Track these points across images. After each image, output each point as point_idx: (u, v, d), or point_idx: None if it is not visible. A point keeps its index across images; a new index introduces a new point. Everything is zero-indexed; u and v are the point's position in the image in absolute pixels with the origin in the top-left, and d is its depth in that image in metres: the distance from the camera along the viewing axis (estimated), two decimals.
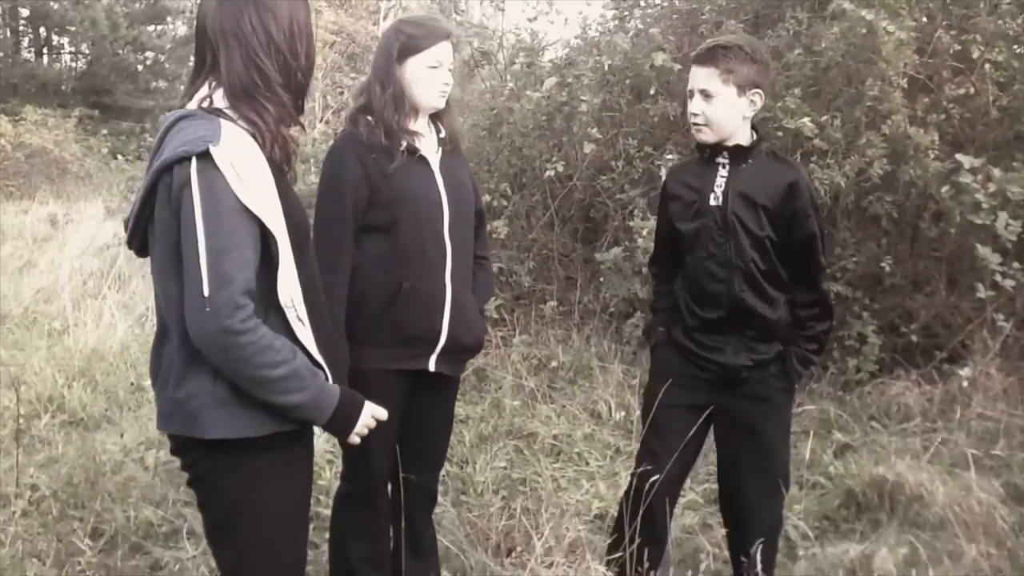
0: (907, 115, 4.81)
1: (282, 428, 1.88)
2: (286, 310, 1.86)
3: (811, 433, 4.34)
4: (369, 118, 2.56)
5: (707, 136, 2.60)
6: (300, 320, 1.89)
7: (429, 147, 2.64)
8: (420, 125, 2.64)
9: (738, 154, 2.61)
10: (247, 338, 1.74)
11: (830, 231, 5.08)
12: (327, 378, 1.95)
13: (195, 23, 1.97)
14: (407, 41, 2.55)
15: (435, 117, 2.69)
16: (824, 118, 4.80)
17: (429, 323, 2.60)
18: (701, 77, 2.56)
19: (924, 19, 5.31)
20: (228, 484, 1.91)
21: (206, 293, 1.72)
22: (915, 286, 5.17)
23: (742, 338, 2.65)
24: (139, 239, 1.95)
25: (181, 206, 1.76)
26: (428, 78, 2.57)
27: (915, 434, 4.27)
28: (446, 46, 2.59)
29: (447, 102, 2.67)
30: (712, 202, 2.62)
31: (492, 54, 6.94)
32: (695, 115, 2.58)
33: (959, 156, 4.60)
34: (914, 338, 4.94)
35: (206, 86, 1.90)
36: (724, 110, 2.55)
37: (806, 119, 4.72)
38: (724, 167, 2.62)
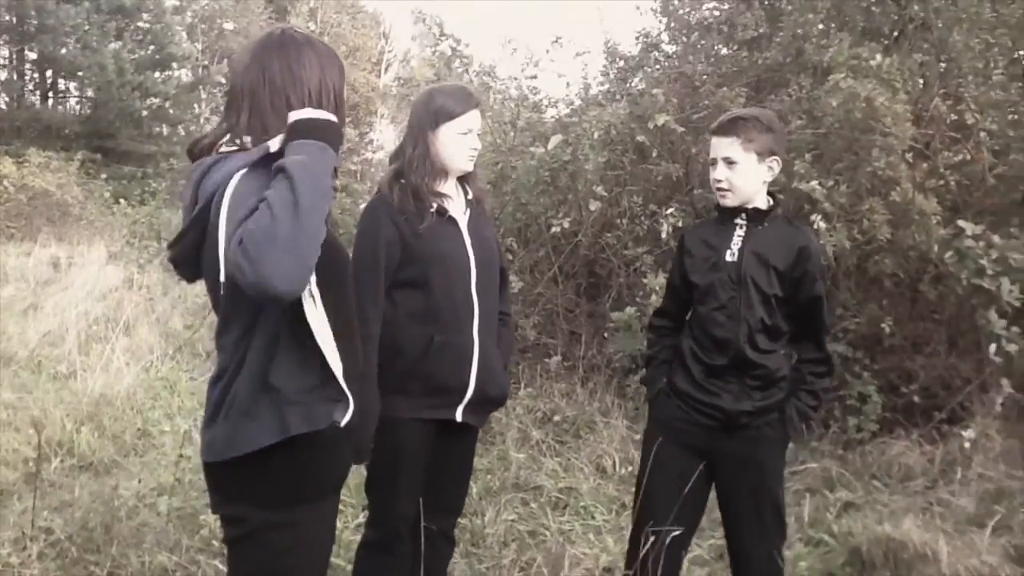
0: (910, 183, 4.95)
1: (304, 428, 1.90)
2: (315, 335, 1.88)
3: (813, 491, 4.41)
4: (402, 182, 2.71)
5: (730, 200, 2.77)
6: (325, 349, 1.91)
7: (457, 208, 2.79)
8: (449, 187, 2.79)
9: (756, 216, 2.78)
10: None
11: (832, 292, 5.20)
12: (348, 405, 2.00)
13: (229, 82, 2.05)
14: (440, 109, 2.71)
15: (462, 179, 2.85)
16: (830, 184, 4.94)
17: (458, 375, 2.71)
18: (724, 146, 2.74)
19: (921, 85, 5.49)
20: (266, 541, 1.95)
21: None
22: (915, 347, 5.27)
23: (743, 385, 2.77)
24: (190, 267, 2.01)
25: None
26: (459, 144, 2.73)
27: (917, 493, 4.34)
28: (475, 114, 2.76)
29: (474, 165, 2.82)
30: (728, 258, 2.78)
31: (496, 109, 7.11)
32: (719, 181, 2.75)
33: (960, 222, 4.73)
34: (914, 398, 5.03)
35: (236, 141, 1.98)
36: (746, 176, 2.73)
37: (814, 182, 4.85)
38: (741, 227, 2.79)
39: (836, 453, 4.86)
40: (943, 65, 5.59)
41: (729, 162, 2.72)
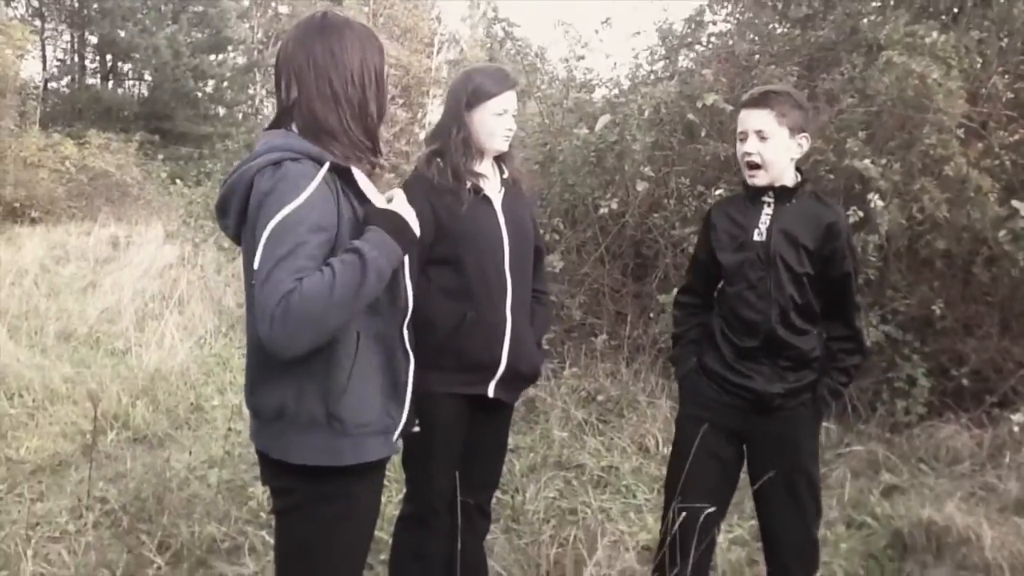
0: (964, 161, 4.85)
1: (352, 461, 1.98)
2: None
3: (858, 473, 4.37)
4: (439, 160, 2.74)
5: (760, 179, 2.71)
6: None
7: (492, 187, 2.82)
8: (485, 167, 2.82)
9: (783, 194, 2.73)
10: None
11: (883, 272, 5.12)
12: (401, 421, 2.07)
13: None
14: (477, 89, 2.73)
15: (499, 159, 2.87)
16: (884, 162, 4.86)
17: (490, 351, 2.74)
18: (756, 119, 2.67)
19: (979, 64, 5.36)
20: (313, 513, 2.00)
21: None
22: (966, 329, 5.18)
23: (775, 367, 2.75)
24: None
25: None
26: (494, 124, 2.75)
27: (964, 477, 4.28)
28: (511, 95, 2.78)
29: (510, 145, 2.84)
30: (756, 237, 2.74)
31: (543, 89, 7.10)
32: (750, 154, 2.68)
33: (1015, 203, 4.63)
34: (964, 381, 4.95)
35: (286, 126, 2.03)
36: (777, 150, 2.67)
37: (867, 160, 4.77)
38: (769, 205, 2.75)
39: (883, 436, 4.80)
40: (1003, 43, 5.46)
41: (761, 136, 2.66)
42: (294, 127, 2.01)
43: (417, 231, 2.03)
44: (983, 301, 5.18)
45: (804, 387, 2.76)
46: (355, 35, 2.02)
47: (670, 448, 4.66)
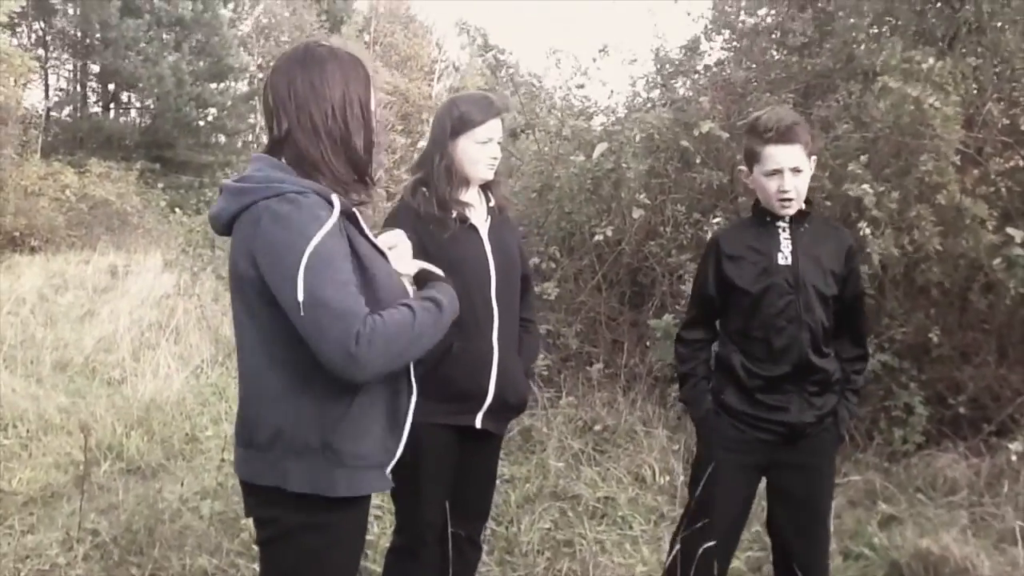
0: (958, 188, 4.85)
1: (350, 493, 1.97)
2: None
3: (855, 503, 4.34)
4: (424, 190, 2.74)
5: (793, 208, 2.73)
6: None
7: (479, 216, 2.81)
8: (471, 195, 2.82)
9: (798, 218, 2.76)
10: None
11: (879, 300, 5.11)
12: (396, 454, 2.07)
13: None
14: (461, 118, 2.73)
15: (485, 187, 2.87)
16: (881, 189, 4.86)
17: (477, 382, 2.73)
18: (791, 155, 2.68)
19: (975, 90, 5.38)
20: (298, 543, 1.98)
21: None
22: (964, 357, 5.15)
23: (803, 394, 2.75)
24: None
25: None
26: (479, 152, 2.75)
27: (961, 507, 4.24)
28: (496, 123, 2.77)
29: (496, 172, 2.84)
30: (781, 262, 2.74)
31: (542, 117, 7.11)
32: (787, 192, 2.69)
33: (1010, 230, 4.62)
34: (962, 410, 4.92)
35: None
36: (807, 182, 2.74)
37: (866, 185, 4.77)
38: (784, 230, 2.76)
39: (880, 465, 4.77)
40: (997, 69, 5.47)
41: (796, 171, 2.69)
42: (283, 159, 2.00)
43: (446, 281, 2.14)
44: (980, 329, 5.16)
45: (828, 412, 2.78)
46: (338, 66, 2.00)
47: (667, 479, 4.74)
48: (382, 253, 2.05)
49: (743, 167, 2.89)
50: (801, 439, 2.76)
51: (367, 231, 2.02)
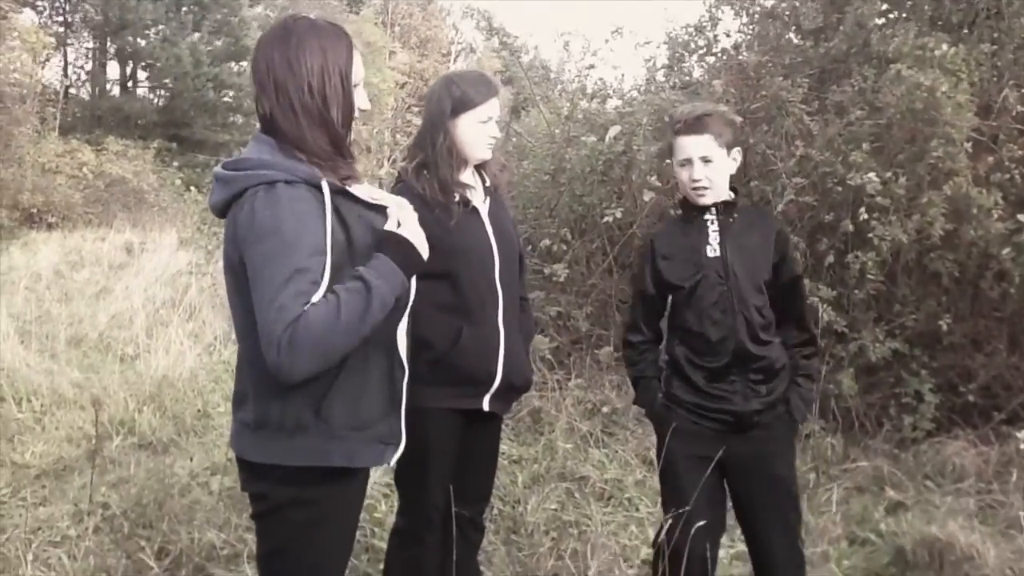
0: (970, 175, 4.82)
1: (343, 463, 1.98)
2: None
3: (863, 489, 4.34)
4: (426, 173, 2.71)
5: (708, 198, 2.77)
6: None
7: (478, 198, 2.79)
8: (467, 176, 2.80)
9: (725, 209, 2.79)
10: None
11: (889, 287, 5.09)
12: (399, 446, 2.09)
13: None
14: (460, 97, 2.70)
15: (479, 166, 2.84)
16: (888, 175, 4.84)
17: (486, 365, 2.72)
18: (698, 145, 2.75)
19: (994, 78, 5.33)
20: (290, 518, 2.00)
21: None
22: (975, 345, 5.13)
23: (746, 383, 2.75)
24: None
25: None
26: (479, 132, 2.73)
27: (969, 495, 4.24)
28: (495, 102, 2.76)
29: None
30: (710, 254, 2.77)
31: (552, 99, 7.10)
32: (697, 180, 2.75)
33: (1021, 216, 4.59)
34: (972, 398, 4.90)
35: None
36: (720, 171, 2.77)
37: (872, 174, 4.75)
38: (713, 222, 2.79)
39: (889, 452, 4.76)
40: (1013, 56, 5.42)
41: (706, 160, 2.74)
42: (276, 138, 1.99)
43: (425, 255, 2.03)
44: (992, 317, 5.13)
45: (778, 400, 2.78)
46: (317, 38, 1.98)
47: None
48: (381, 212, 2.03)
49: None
50: (752, 428, 2.75)
51: (364, 198, 2.02)
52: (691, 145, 2.75)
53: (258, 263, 1.85)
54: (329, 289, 1.84)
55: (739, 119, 2.96)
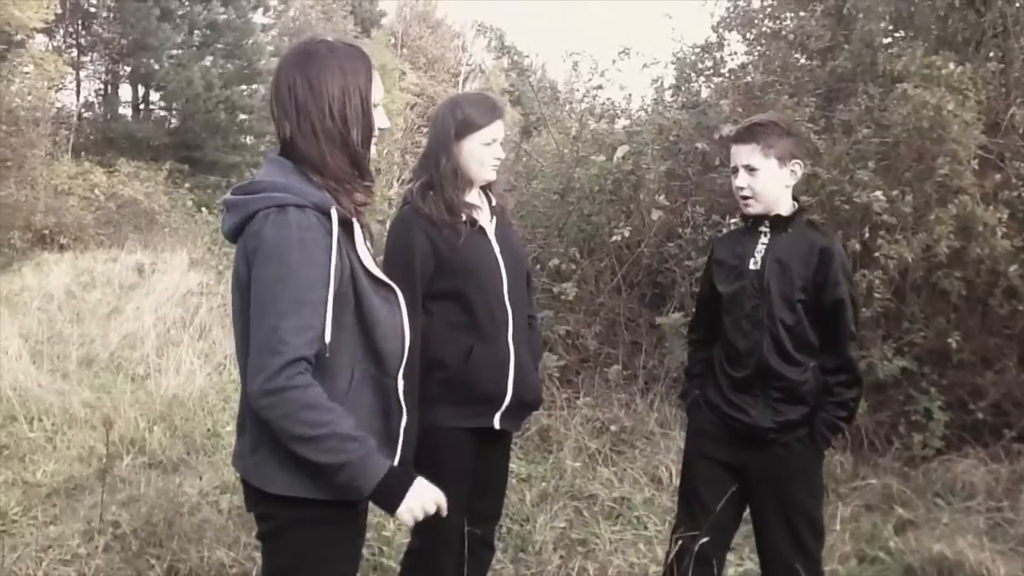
0: (977, 193, 4.83)
1: (330, 496, 1.95)
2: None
3: (872, 507, 4.32)
4: (432, 194, 2.72)
5: (754, 208, 2.77)
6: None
7: (484, 217, 2.82)
8: (473, 196, 2.82)
9: (779, 223, 2.77)
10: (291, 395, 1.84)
11: (898, 305, 5.09)
12: (394, 458, 2.05)
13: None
14: (464, 120, 2.72)
15: (484, 187, 2.86)
16: (895, 193, 4.85)
17: (496, 383, 2.74)
18: (744, 154, 2.74)
19: (1001, 95, 5.35)
20: (294, 537, 2.01)
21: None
22: (985, 363, 5.11)
23: (768, 399, 2.75)
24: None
25: None
26: (484, 153, 2.75)
27: (978, 512, 4.22)
28: (499, 124, 2.78)
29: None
30: (752, 266, 2.78)
31: (561, 120, 7.13)
32: (741, 189, 2.76)
33: None
34: (982, 415, 4.89)
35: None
36: (767, 182, 2.73)
37: (878, 192, 4.77)
38: (765, 235, 2.79)
39: (899, 470, 4.75)
40: (1017, 74, 5.44)
41: (750, 169, 2.72)
42: (292, 160, 2.01)
43: (411, 505, 1.98)
44: (1001, 334, 5.13)
45: (798, 421, 2.74)
46: (336, 62, 1.99)
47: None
48: (374, 277, 2.03)
49: None
50: (768, 444, 2.74)
51: (360, 247, 2.01)
52: (738, 153, 2.76)
53: (261, 285, 1.87)
54: (343, 403, 1.90)
55: (800, 132, 2.92)
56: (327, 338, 1.89)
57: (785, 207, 2.77)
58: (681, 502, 2.95)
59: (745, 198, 2.76)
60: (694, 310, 3.13)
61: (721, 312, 2.88)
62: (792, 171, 2.75)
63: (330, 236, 1.91)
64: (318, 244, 1.89)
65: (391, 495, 1.94)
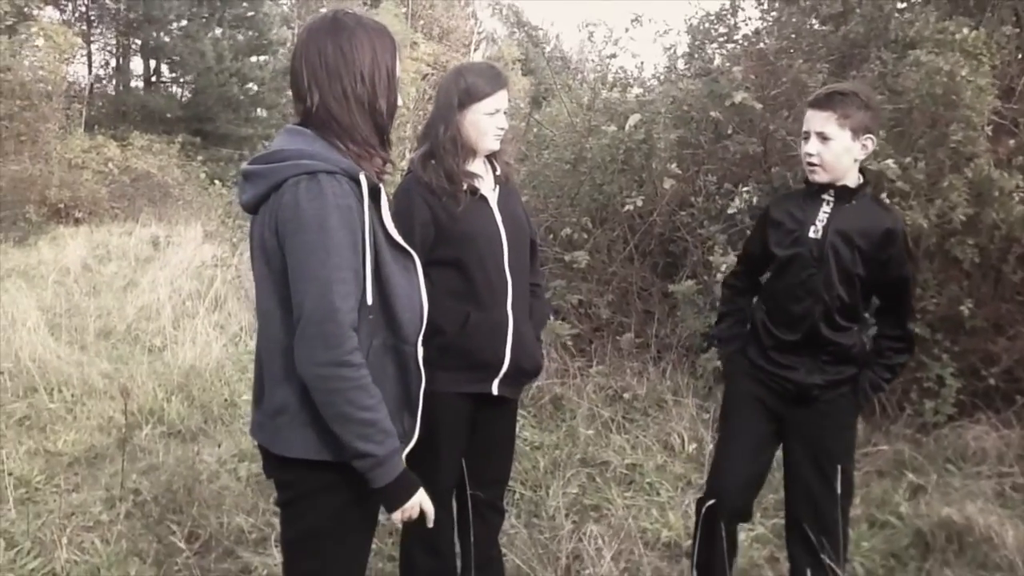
0: (991, 159, 4.81)
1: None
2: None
3: (884, 473, 4.35)
4: (433, 162, 2.75)
5: (820, 176, 2.74)
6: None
7: (487, 186, 2.83)
8: (477, 166, 2.83)
9: (844, 194, 2.75)
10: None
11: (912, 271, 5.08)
12: (412, 439, 2.12)
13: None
14: (468, 89, 2.73)
15: (490, 156, 2.88)
16: (907, 160, 4.83)
17: (494, 350, 2.78)
18: (818, 120, 2.71)
19: (1016, 60, 5.30)
20: (313, 503, 2.05)
21: None
22: (997, 329, 5.11)
23: (816, 360, 2.81)
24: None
25: None
26: (487, 123, 2.76)
27: (989, 478, 4.25)
28: (503, 94, 2.78)
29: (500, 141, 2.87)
30: (811, 234, 2.77)
31: (574, 89, 7.10)
32: (810, 155, 2.73)
33: None
34: (994, 382, 4.90)
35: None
36: (838, 153, 2.70)
37: (889, 160, 4.76)
38: (828, 204, 2.77)
39: (911, 436, 4.77)
40: None
41: (823, 137, 2.69)
42: (313, 128, 2.02)
43: (408, 502, 2.05)
44: (1014, 300, 5.11)
45: (844, 380, 2.81)
46: (366, 33, 2.02)
47: (695, 447, 4.78)
48: (397, 244, 2.06)
49: None
50: (813, 402, 2.81)
51: (385, 214, 2.03)
52: (813, 119, 2.73)
53: (301, 255, 1.88)
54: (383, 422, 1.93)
55: (878, 106, 2.88)
56: (369, 302, 1.94)
57: (852, 179, 2.76)
58: (719, 442, 3.03)
59: (812, 165, 2.73)
60: (739, 262, 3.15)
61: (770, 272, 2.90)
62: (864, 145, 2.71)
63: (361, 202, 1.94)
64: (352, 210, 1.91)
65: (395, 498, 2.01)
